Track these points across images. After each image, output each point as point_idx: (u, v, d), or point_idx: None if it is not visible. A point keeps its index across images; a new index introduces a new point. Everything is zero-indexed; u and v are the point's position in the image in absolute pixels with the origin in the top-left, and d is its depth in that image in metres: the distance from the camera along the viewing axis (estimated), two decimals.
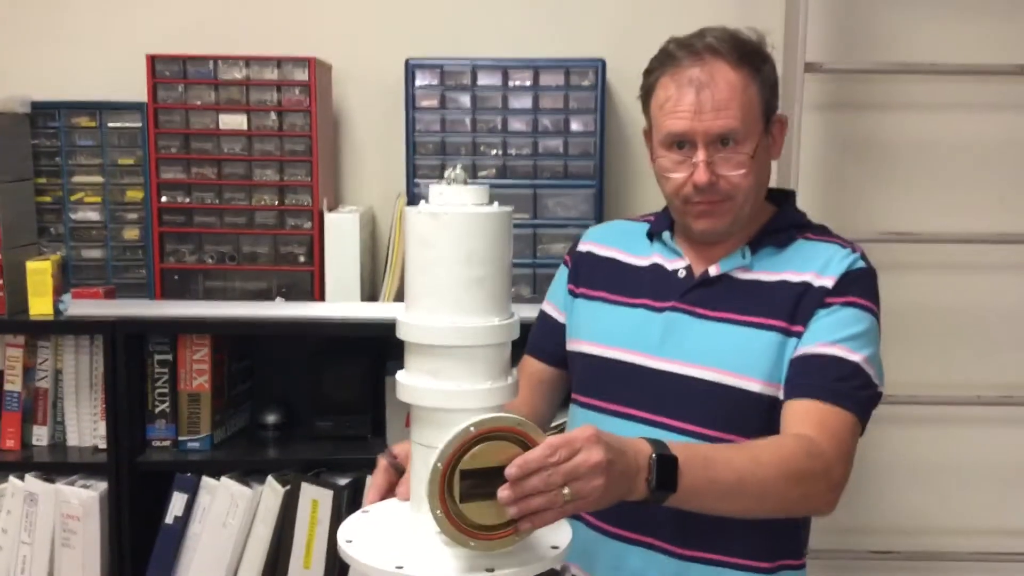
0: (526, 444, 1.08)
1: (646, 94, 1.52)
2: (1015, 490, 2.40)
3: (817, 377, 1.38)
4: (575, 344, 1.57)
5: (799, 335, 1.41)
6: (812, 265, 1.45)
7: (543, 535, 1.16)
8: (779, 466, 1.27)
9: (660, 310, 1.50)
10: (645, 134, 1.56)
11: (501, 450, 1.07)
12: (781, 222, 1.53)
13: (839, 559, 2.33)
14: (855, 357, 1.39)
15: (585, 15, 2.26)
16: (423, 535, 1.12)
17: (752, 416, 1.41)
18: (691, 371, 1.45)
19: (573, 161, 2.12)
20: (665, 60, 1.48)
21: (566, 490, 1.07)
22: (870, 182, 2.32)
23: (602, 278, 1.58)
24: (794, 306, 1.42)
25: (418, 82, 2.12)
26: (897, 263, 2.32)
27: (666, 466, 1.17)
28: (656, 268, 1.55)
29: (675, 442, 1.22)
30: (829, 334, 1.40)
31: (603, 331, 1.53)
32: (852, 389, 1.38)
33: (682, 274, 1.52)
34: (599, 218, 2.11)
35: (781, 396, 1.40)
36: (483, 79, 2.12)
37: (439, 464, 1.05)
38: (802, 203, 2.13)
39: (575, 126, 2.12)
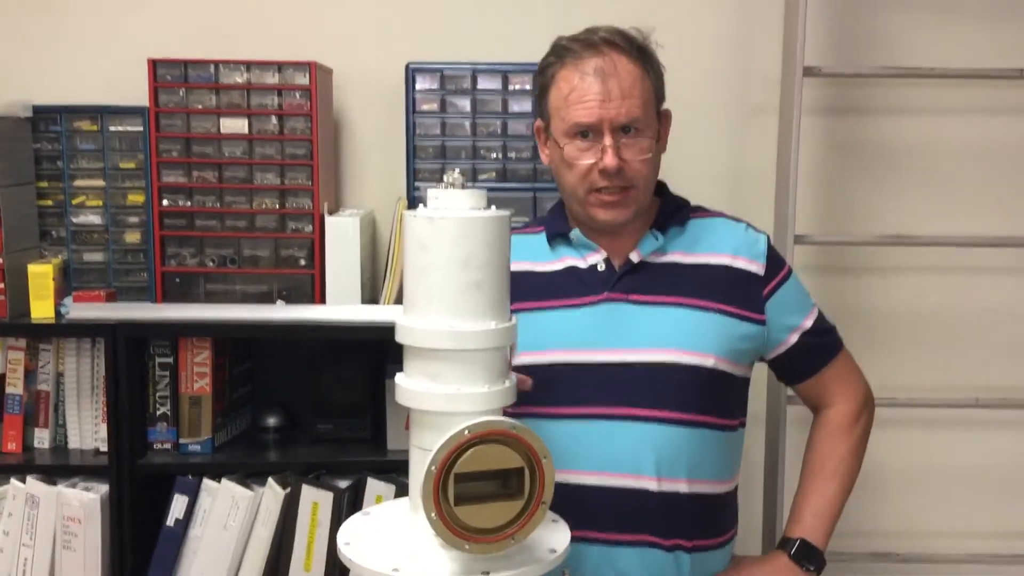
0: (521, 447, 1.09)
1: (542, 90, 1.55)
2: (1014, 493, 2.40)
3: (815, 352, 1.62)
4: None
5: (747, 319, 1.54)
6: (721, 246, 1.58)
7: (541, 538, 1.17)
8: (855, 453, 1.65)
9: (593, 304, 1.52)
10: (537, 131, 1.59)
11: (496, 454, 1.07)
12: (671, 204, 1.61)
13: (838, 561, 2.32)
14: (815, 312, 1.63)
15: (585, 19, 2.24)
16: (421, 537, 1.13)
17: (707, 390, 1.50)
18: (644, 356, 1.48)
19: None
20: (563, 54, 1.52)
21: None
22: (869, 186, 2.32)
23: (519, 292, 1.55)
24: (730, 291, 1.55)
25: (418, 86, 2.12)
26: (896, 266, 2.32)
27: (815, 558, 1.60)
28: (571, 269, 1.57)
29: (794, 528, 1.60)
30: (795, 315, 1.60)
31: (536, 339, 1.52)
32: (831, 336, 1.65)
33: (602, 267, 1.55)
34: None
35: (730, 370, 1.53)
36: (483, 83, 2.13)
37: (433, 467, 1.05)
38: (801, 206, 2.16)
39: None
